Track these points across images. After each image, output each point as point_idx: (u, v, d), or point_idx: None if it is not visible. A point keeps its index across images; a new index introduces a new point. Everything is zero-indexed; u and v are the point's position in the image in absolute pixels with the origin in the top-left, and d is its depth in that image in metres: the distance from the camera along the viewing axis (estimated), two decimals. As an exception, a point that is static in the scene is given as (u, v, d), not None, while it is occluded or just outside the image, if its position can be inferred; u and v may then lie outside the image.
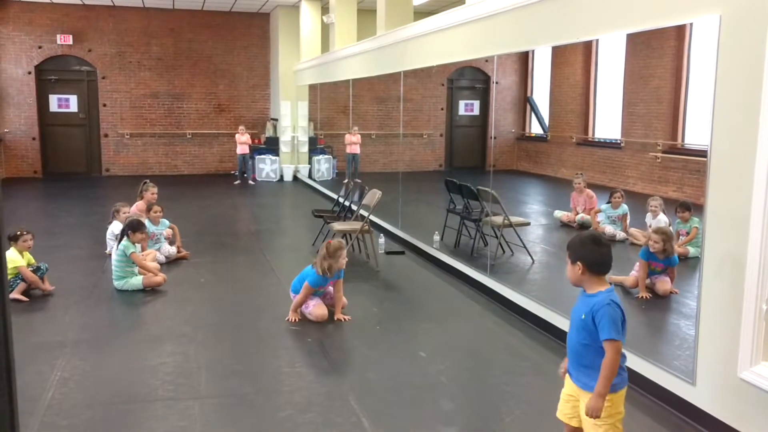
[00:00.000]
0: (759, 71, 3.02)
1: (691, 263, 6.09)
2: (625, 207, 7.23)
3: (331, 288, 5.24)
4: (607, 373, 2.49)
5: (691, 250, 6.14)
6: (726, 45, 3.23)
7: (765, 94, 3.00)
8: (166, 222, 7.21)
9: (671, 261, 5.35)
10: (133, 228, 6.02)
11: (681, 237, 6.27)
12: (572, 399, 2.71)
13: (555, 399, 3.78)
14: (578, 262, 2.57)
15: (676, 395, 3.62)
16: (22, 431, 3.26)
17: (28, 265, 5.68)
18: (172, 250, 7.00)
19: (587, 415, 2.54)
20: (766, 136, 3.00)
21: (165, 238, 7.09)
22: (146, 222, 6.79)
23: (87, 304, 5.53)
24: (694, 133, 8.28)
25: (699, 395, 3.48)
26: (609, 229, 7.09)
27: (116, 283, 5.89)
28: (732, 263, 3.24)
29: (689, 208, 6.29)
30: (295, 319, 5.07)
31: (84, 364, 4.27)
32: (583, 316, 2.56)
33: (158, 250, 6.83)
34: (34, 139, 14.06)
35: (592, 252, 2.56)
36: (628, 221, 7.19)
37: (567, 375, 2.75)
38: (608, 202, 7.32)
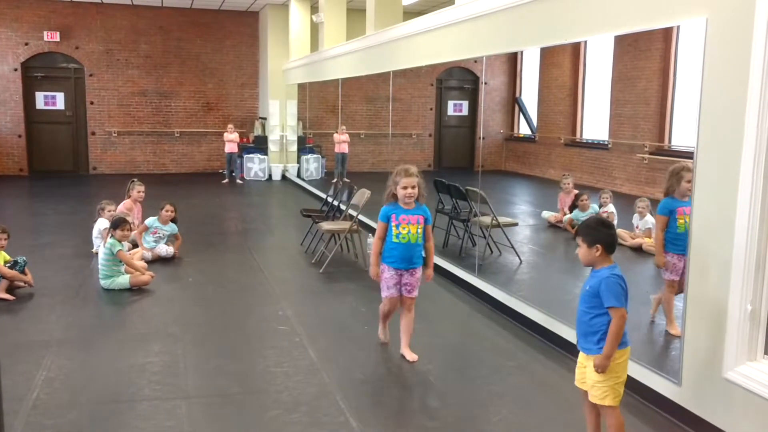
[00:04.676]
0: (744, 74, 3.05)
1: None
2: (595, 208, 7.16)
3: (404, 280, 4.27)
4: (612, 337, 2.83)
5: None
6: (712, 48, 3.26)
7: (750, 96, 3.03)
8: (175, 227, 7.14)
9: None
10: (114, 225, 6.00)
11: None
12: (581, 366, 3.04)
13: (542, 398, 3.79)
14: (597, 245, 2.91)
15: (661, 395, 3.65)
16: (7, 431, 3.23)
17: (5, 262, 5.63)
18: (170, 249, 7.01)
19: (594, 369, 2.89)
20: (751, 137, 3.03)
21: (167, 241, 7.09)
22: (153, 219, 6.98)
23: (73, 303, 5.49)
24: (681, 135, 8.32)
25: (684, 395, 3.50)
26: None
27: (103, 282, 5.85)
28: (718, 264, 3.27)
29: None
30: (376, 274, 4.30)
31: (70, 363, 4.24)
32: (588, 288, 2.94)
33: (153, 249, 6.87)
34: (20, 136, 13.94)
35: (606, 235, 2.94)
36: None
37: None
38: (576, 206, 7.26)
